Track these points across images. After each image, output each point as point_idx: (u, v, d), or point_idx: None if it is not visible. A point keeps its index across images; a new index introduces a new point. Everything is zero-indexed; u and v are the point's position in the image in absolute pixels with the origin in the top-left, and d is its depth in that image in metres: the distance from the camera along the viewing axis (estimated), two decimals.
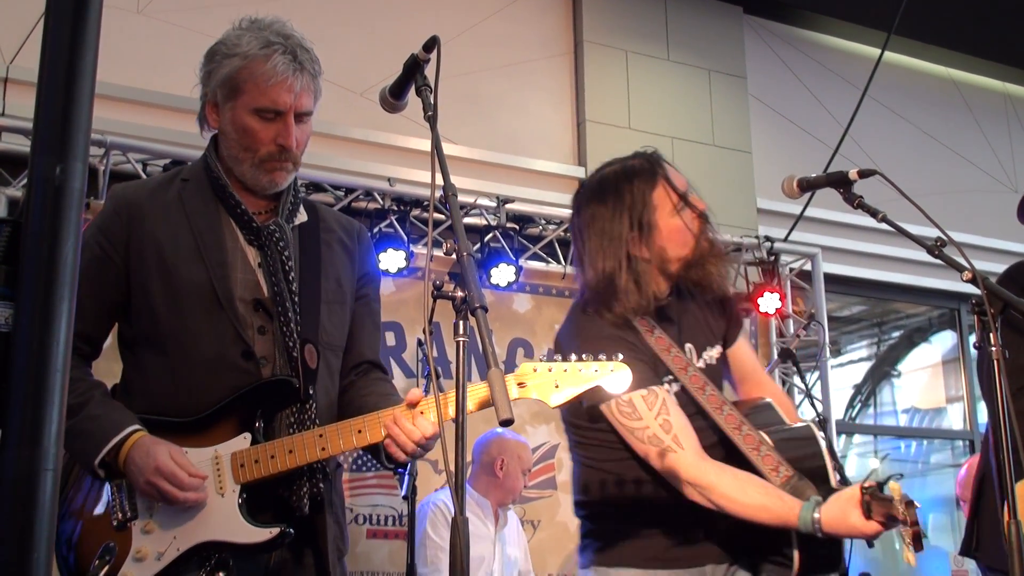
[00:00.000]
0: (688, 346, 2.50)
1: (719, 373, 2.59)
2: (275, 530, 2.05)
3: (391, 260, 5.10)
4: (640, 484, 2.42)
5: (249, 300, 2.15)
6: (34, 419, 1.13)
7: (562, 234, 5.62)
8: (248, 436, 2.09)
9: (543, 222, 5.74)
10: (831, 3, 7.17)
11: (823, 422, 5.15)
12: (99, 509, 2.09)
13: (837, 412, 6.79)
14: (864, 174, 2.36)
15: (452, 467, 1.60)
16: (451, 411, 1.84)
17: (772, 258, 6.25)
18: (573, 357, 2.04)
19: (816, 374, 6.29)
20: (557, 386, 2.02)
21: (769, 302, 6.01)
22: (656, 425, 2.32)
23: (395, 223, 5.22)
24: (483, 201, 5.51)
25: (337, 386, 2.30)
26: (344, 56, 5.41)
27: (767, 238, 6.29)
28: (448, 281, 1.73)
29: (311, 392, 2.15)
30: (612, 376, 2.02)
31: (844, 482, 2.36)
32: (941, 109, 7.79)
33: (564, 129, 6.35)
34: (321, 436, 2.07)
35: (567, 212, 2.96)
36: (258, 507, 2.09)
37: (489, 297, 5.39)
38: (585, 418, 2.45)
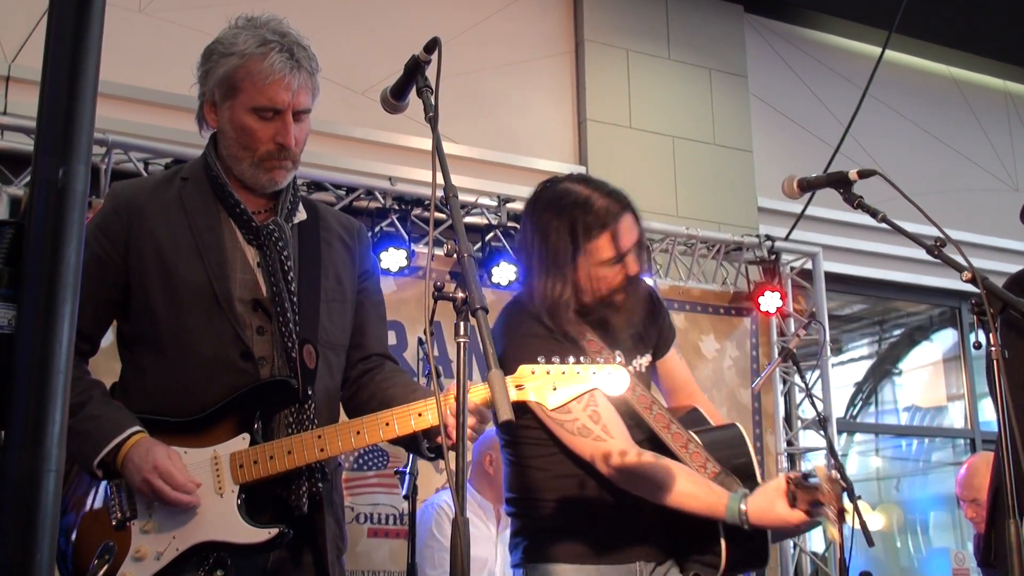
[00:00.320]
0: (617, 353, 2.51)
1: (647, 381, 2.62)
2: (274, 530, 2.05)
3: (392, 259, 5.10)
4: (569, 480, 2.44)
5: (248, 300, 2.15)
6: (36, 420, 1.14)
7: None
8: (247, 437, 2.09)
9: None
10: (832, 2, 7.18)
11: (824, 421, 5.15)
12: (98, 507, 2.09)
13: (838, 411, 6.80)
14: (864, 174, 2.37)
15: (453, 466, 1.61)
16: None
17: (773, 257, 6.25)
18: (571, 359, 2.05)
19: (817, 373, 6.29)
20: (555, 388, 2.03)
21: (770, 301, 6.01)
22: (585, 416, 2.34)
23: (396, 222, 5.22)
24: (484, 200, 5.51)
25: (339, 384, 2.30)
26: (345, 55, 5.42)
27: (768, 237, 6.29)
28: (449, 281, 1.74)
29: (310, 392, 2.14)
30: (610, 378, 2.02)
31: (844, 482, 2.37)
32: (942, 107, 7.80)
33: (565, 128, 6.35)
34: (320, 437, 2.07)
35: None
36: (257, 507, 2.08)
37: (490, 296, 5.39)
38: (516, 414, 2.47)
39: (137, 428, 2.05)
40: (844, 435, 7.67)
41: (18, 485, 1.13)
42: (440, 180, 1.83)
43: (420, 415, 2.06)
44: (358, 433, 2.07)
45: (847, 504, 2.14)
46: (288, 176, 2.23)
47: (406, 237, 5.18)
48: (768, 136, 6.99)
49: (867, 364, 8.17)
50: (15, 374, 1.15)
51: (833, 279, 6.72)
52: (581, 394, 2.05)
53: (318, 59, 2.24)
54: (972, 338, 2.16)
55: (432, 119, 1.92)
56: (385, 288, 4.63)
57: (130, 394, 2.17)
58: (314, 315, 2.19)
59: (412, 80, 2.02)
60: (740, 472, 2.37)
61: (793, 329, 6.16)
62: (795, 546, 6.05)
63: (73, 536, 2.09)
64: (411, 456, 4.20)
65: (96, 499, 2.10)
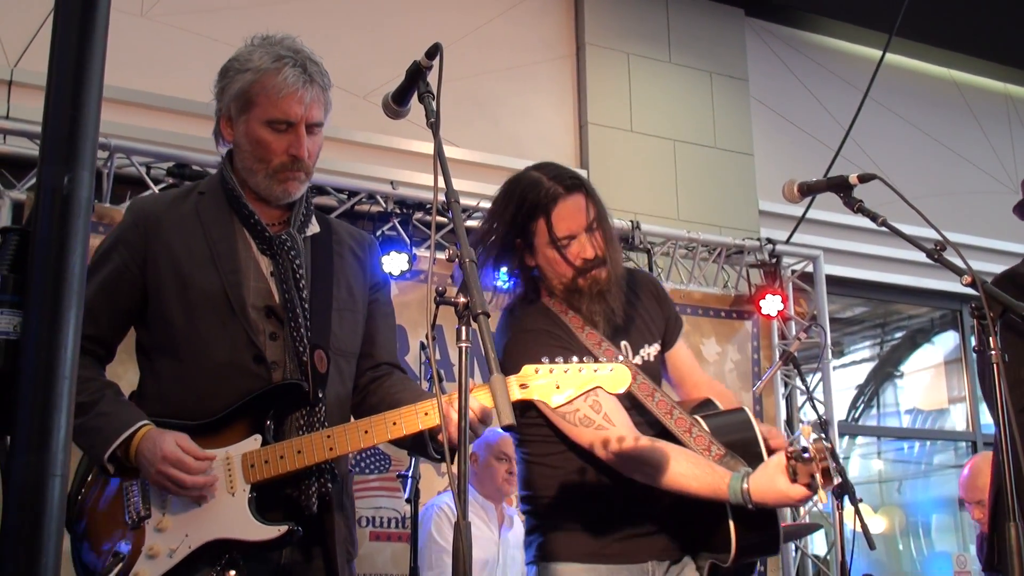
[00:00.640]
0: (623, 343, 2.53)
1: (657, 371, 2.63)
2: (283, 528, 2.09)
3: (394, 263, 5.11)
4: (580, 476, 2.45)
5: (261, 307, 2.21)
6: (42, 425, 1.15)
7: None
8: (258, 438, 2.15)
9: None
10: (832, 5, 7.18)
11: (825, 424, 5.15)
12: (113, 508, 2.15)
13: (840, 413, 6.80)
14: (864, 179, 2.37)
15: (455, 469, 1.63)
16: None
17: (774, 260, 6.26)
18: (574, 359, 2.07)
19: (818, 376, 6.29)
20: (558, 387, 2.06)
21: (771, 304, 6.01)
22: (586, 406, 2.35)
23: (398, 226, 5.24)
24: (485, 204, 5.52)
25: (350, 389, 2.35)
26: (347, 59, 5.43)
27: (769, 240, 6.29)
28: (451, 285, 1.76)
29: (320, 395, 2.20)
30: (611, 376, 2.05)
31: (846, 484, 2.37)
32: (942, 110, 7.80)
33: (566, 131, 6.36)
34: (329, 437, 2.12)
35: None
36: (268, 506, 2.13)
37: (491, 299, 5.39)
38: (517, 411, 2.49)
39: (145, 421, 2.11)
40: (846, 438, 7.68)
41: (24, 489, 1.14)
42: (441, 185, 1.86)
43: (426, 414, 2.11)
44: (366, 432, 2.12)
45: (835, 468, 2.12)
46: (301, 188, 2.30)
47: (408, 241, 5.19)
48: (769, 139, 7.00)
49: (868, 367, 8.17)
50: (21, 379, 1.16)
51: (834, 282, 6.72)
52: (584, 392, 2.07)
53: (321, 62, 2.29)
54: (973, 341, 2.17)
55: (433, 125, 1.96)
56: None
57: (147, 399, 2.24)
58: (325, 322, 2.26)
59: (414, 86, 2.06)
60: (747, 454, 2.35)
61: (794, 332, 6.16)
62: (797, 549, 6.05)
63: (88, 537, 2.15)
64: (413, 460, 4.21)
65: (111, 500, 2.16)
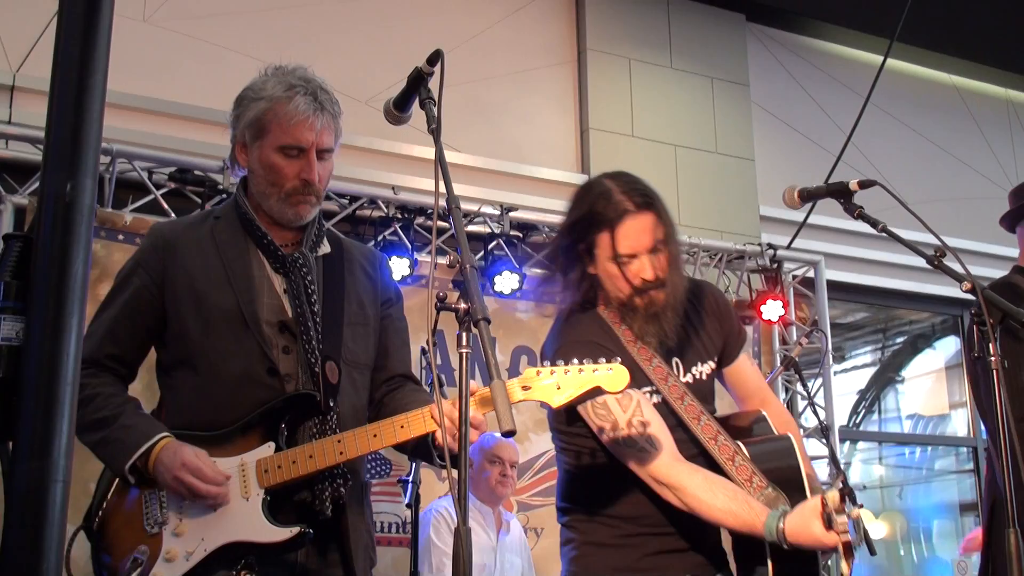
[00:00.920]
0: (675, 360, 2.51)
1: (708, 388, 2.59)
2: (295, 529, 2.17)
3: (395, 268, 5.11)
4: (618, 490, 2.44)
5: (274, 322, 2.31)
6: (44, 432, 1.15)
7: None
8: (272, 445, 2.23)
9: (547, 230, 5.75)
10: (834, 10, 7.19)
11: (826, 429, 5.15)
12: (132, 515, 2.23)
13: (841, 419, 6.80)
14: (864, 185, 2.37)
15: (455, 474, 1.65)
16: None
17: (775, 265, 6.26)
18: (575, 360, 2.09)
19: (819, 381, 6.29)
20: (559, 388, 2.10)
21: (772, 309, 6.02)
22: (632, 428, 2.35)
23: (399, 231, 5.24)
24: (487, 209, 5.53)
25: (365, 400, 2.43)
26: (349, 64, 5.44)
27: (770, 245, 6.29)
28: (452, 290, 1.77)
29: (332, 404, 2.29)
30: (610, 376, 2.07)
31: (846, 488, 2.36)
32: (944, 116, 7.80)
33: (568, 137, 6.37)
34: (339, 441, 2.20)
35: None
36: (282, 511, 2.22)
37: (492, 305, 5.40)
38: (564, 421, 2.48)
39: (165, 433, 2.21)
40: (847, 443, 7.67)
41: (26, 496, 1.14)
42: (442, 190, 1.89)
43: (432, 417, 2.17)
44: (375, 436, 2.20)
45: (855, 540, 2.11)
46: (312, 211, 2.39)
47: (409, 246, 5.20)
48: (770, 144, 7.00)
49: (869, 372, 8.17)
50: (23, 386, 1.17)
51: (835, 287, 6.72)
52: (583, 392, 2.09)
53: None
54: (960, 344, 2.17)
55: (435, 131, 1.99)
56: None
57: (166, 412, 2.34)
58: (337, 336, 2.35)
59: (415, 92, 2.09)
60: (788, 485, 2.33)
61: (795, 337, 6.16)
62: None
63: (110, 546, 2.23)
64: (414, 465, 4.22)
65: (131, 509, 2.24)
